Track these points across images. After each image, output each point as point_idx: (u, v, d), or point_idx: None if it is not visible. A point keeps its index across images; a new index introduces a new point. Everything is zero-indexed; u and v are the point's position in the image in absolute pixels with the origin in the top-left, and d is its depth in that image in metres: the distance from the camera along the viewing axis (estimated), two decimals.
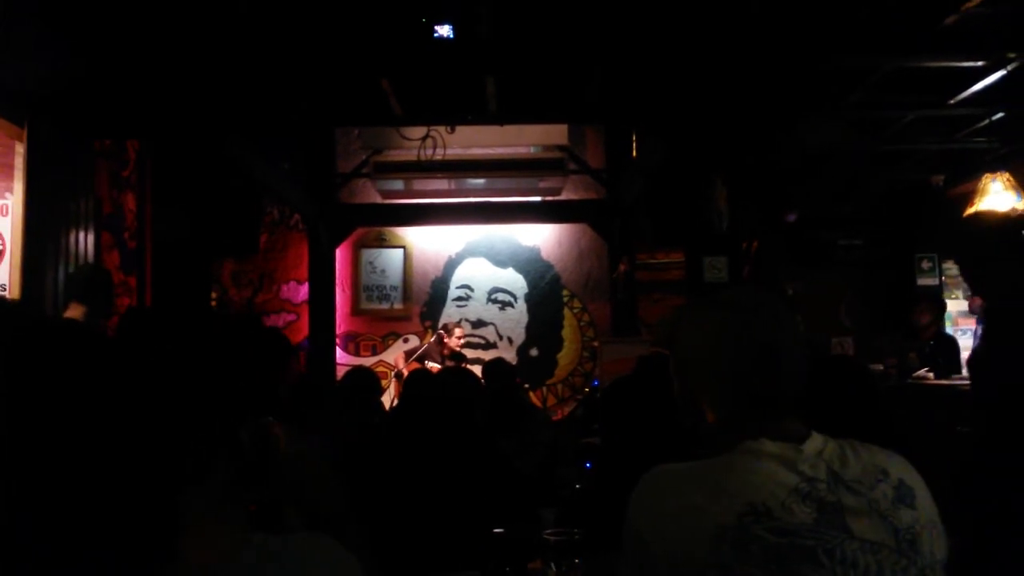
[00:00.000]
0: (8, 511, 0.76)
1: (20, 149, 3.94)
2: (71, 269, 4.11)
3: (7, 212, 4.12)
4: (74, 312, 3.36)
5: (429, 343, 7.07)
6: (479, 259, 7.80)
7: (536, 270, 7.79)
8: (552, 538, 1.62)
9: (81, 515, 0.75)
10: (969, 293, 7.17)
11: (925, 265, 7.10)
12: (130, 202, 5.61)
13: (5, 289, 4.04)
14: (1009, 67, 4.14)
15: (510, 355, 7.54)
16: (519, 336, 7.76)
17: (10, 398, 0.78)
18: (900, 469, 1.11)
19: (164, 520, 0.79)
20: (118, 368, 0.82)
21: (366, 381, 3.79)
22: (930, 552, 1.06)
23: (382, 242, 7.81)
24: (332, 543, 0.90)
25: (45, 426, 0.77)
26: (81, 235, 4.32)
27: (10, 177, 3.98)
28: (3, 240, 4.18)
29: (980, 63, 4.18)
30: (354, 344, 7.74)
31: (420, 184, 7.39)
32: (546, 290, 7.78)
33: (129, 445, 0.78)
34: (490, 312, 7.77)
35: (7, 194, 4.10)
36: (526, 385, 7.27)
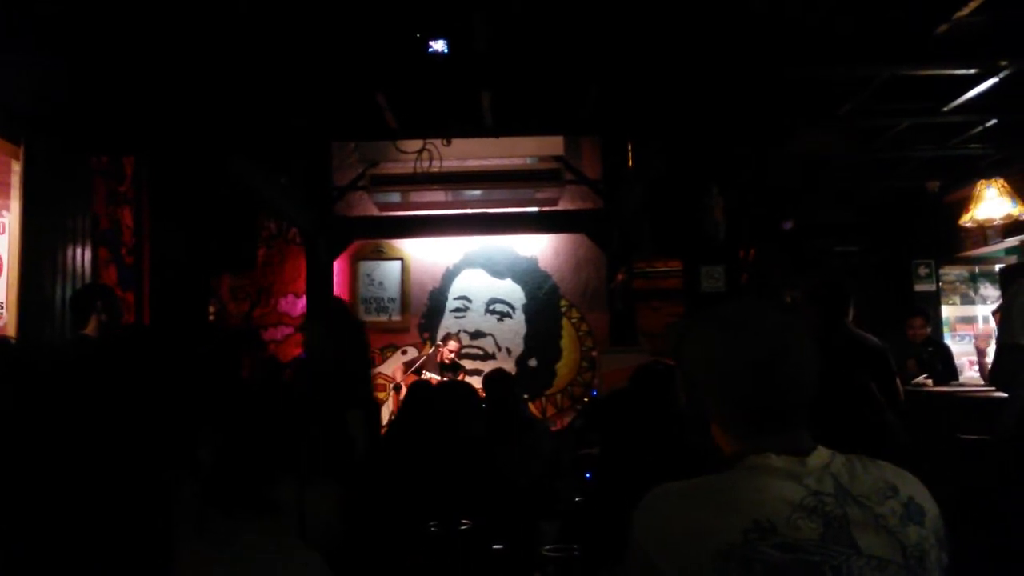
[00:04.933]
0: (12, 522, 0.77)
1: (16, 167, 3.95)
2: (68, 285, 4.11)
3: (4, 229, 4.12)
4: (92, 325, 3.49)
5: (427, 355, 7.06)
6: (477, 270, 7.80)
7: (534, 280, 7.79)
8: (551, 554, 1.61)
9: (85, 523, 0.76)
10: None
11: (922, 271, 7.11)
12: (127, 218, 5.61)
13: (2, 307, 4.03)
14: (1001, 74, 4.17)
15: (509, 366, 7.52)
16: (518, 347, 7.75)
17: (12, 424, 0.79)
18: (910, 487, 1.10)
19: (160, 525, 0.80)
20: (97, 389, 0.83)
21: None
22: (937, 570, 1.05)
23: (379, 254, 7.81)
24: (294, 549, 0.91)
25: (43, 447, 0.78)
26: (78, 251, 4.32)
27: (7, 195, 3.98)
28: (0, 258, 4.17)
29: (972, 71, 4.21)
30: None
31: (417, 196, 7.40)
32: (544, 300, 7.77)
33: (121, 456, 0.79)
34: (488, 323, 7.76)
35: (4, 212, 4.10)
36: (525, 396, 7.25)
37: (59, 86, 3.81)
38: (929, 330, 5.71)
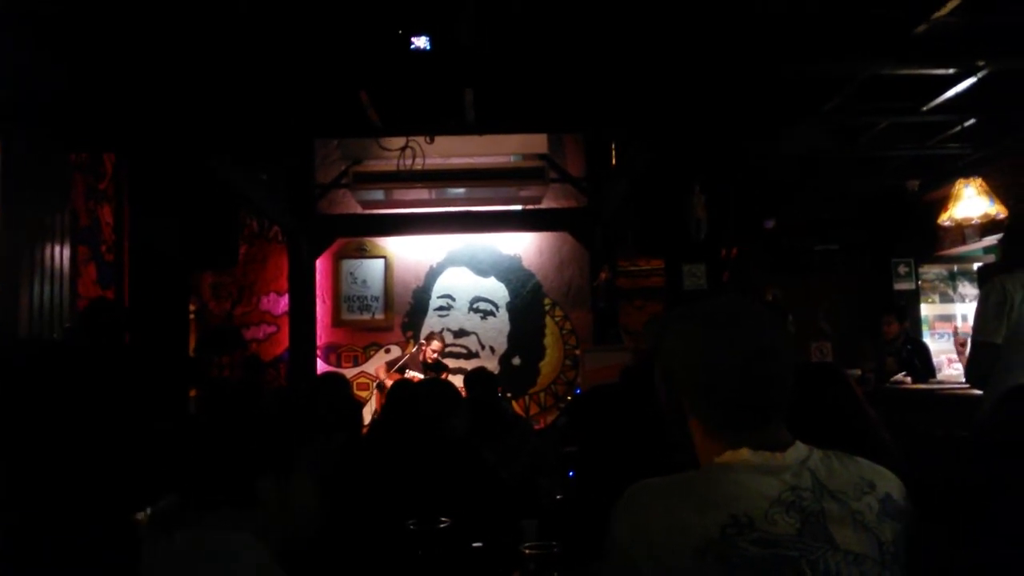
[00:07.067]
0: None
1: None
2: (46, 283, 4.07)
3: None
4: None
5: (410, 353, 7.05)
6: (460, 268, 7.79)
7: (518, 279, 7.79)
8: (529, 552, 1.61)
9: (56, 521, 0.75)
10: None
11: (902, 270, 7.19)
12: (107, 215, 5.55)
13: None
14: (979, 74, 4.21)
15: (492, 364, 7.53)
16: (501, 345, 7.75)
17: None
18: (887, 483, 1.11)
19: (126, 526, 0.79)
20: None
21: (344, 391, 3.75)
22: (911, 567, 1.06)
23: (363, 252, 7.78)
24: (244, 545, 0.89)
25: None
26: (57, 249, 4.26)
27: None
28: None
29: (951, 71, 4.25)
30: (336, 355, 7.70)
31: (400, 194, 7.38)
32: (528, 299, 7.78)
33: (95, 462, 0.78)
34: (472, 321, 7.76)
35: None
36: (508, 394, 7.25)
37: (38, 81, 3.76)
38: (898, 327, 5.76)
